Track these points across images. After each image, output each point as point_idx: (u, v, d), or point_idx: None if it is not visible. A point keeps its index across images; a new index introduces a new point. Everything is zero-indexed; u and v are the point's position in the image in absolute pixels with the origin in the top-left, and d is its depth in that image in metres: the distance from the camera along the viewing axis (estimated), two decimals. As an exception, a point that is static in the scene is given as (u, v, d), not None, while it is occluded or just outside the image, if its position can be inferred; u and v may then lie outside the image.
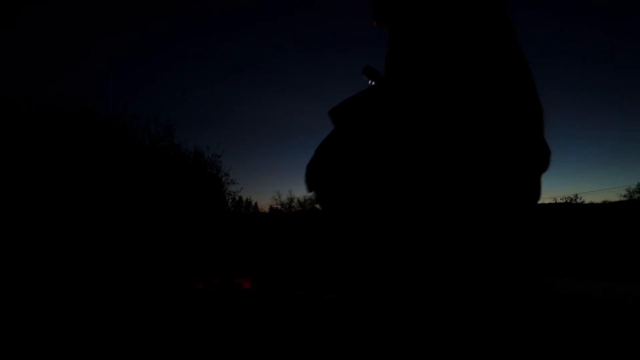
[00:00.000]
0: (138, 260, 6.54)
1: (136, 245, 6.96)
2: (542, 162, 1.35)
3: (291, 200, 23.92)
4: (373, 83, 1.97)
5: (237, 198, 13.43)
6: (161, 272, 5.78)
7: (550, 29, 50.74)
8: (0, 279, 4.67)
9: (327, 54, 48.72)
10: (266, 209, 23.41)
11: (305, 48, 48.59)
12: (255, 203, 25.31)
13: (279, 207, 23.72)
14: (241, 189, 18.09)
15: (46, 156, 6.66)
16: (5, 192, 6.09)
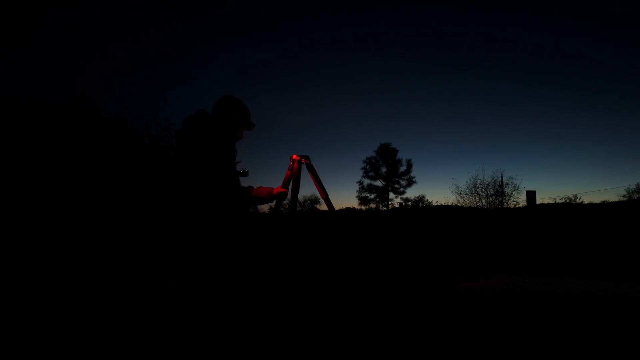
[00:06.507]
0: (137, 259, 6.53)
1: (135, 244, 6.96)
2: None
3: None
4: None
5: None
6: (160, 272, 5.77)
7: (551, 33, 50.81)
8: (1, 279, 4.66)
9: (325, 60, 48.82)
10: (265, 209, 23.43)
11: (305, 55, 48.68)
12: (256, 203, 25.25)
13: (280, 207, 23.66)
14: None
15: (46, 156, 6.66)
16: (5, 192, 6.09)
